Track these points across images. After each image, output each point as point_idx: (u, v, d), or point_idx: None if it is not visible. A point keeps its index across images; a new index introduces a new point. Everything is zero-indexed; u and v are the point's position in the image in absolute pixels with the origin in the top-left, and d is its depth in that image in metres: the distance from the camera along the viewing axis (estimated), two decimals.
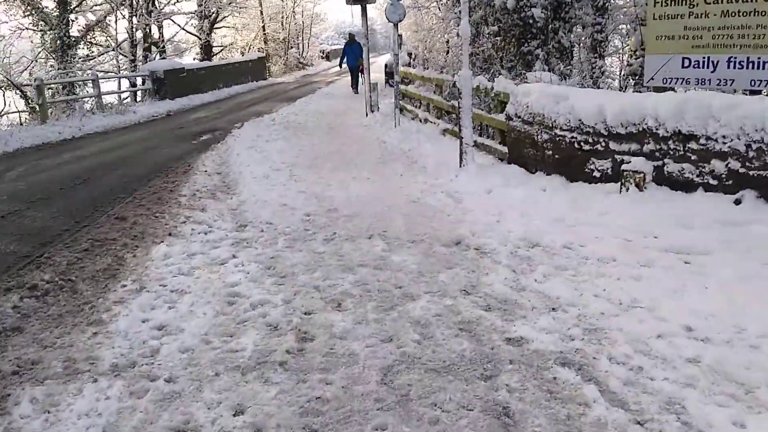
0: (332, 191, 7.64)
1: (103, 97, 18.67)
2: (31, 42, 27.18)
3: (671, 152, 6.20)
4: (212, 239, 5.85)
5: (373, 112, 15.06)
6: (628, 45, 14.24)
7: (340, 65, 22.75)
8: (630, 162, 6.46)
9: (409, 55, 21.68)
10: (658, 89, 7.40)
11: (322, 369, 3.40)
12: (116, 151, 11.37)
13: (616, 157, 6.71)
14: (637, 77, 12.73)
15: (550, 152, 7.47)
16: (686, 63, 7.02)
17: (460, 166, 8.21)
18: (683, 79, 7.09)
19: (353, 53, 21.28)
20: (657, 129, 6.26)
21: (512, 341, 3.68)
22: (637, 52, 12.67)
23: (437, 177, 8.23)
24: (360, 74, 19.54)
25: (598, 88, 10.12)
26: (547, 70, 10.44)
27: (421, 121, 12.68)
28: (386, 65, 22.23)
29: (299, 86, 27.89)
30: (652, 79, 7.36)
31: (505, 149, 8.46)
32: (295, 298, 4.42)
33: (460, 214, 6.55)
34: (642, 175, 6.28)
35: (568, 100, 7.19)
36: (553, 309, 4.13)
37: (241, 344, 3.69)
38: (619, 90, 11.14)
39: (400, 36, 14.42)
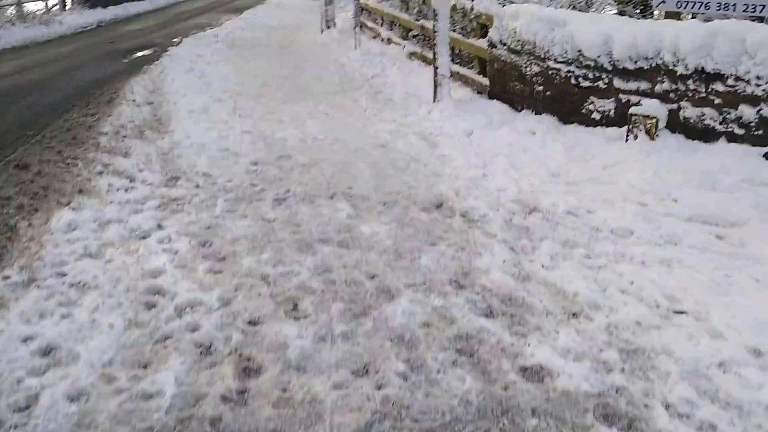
0: (284, 130, 6.44)
1: (25, 5, 16.54)
2: None
3: (690, 94, 5.21)
4: (134, 199, 4.68)
5: (329, 27, 13.57)
6: None
7: None
8: (639, 104, 5.45)
9: None
10: (671, 15, 6.32)
11: None
12: (32, 72, 9.79)
13: (621, 96, 5.69)
14: None
15: (541, 87, 6.39)
16: None
17: (434, 101, 7.08)
18: (701, 3, 6.01)
19: None
20: (675, 65, 5.23)
21: (530, 374, 2.73)
22: None
23: (407, 113, 7.09)
24: None
25: (592, 8, 8.95)
26: None
27: (383, 41, 11.32)
28: None
29: None
30: (664, 2, 6.26)
31: (485, 81, 7.32)
32: (236, 295, 3.36)
33: (438, 164, 5.49)
34: (654, 120, 5.29)
35: (566, 26, 6.05)
36: (574, 315, 3.18)
37: (158, 383, 2.63)
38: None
39: None
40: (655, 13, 8.71)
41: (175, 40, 13.08)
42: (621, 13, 11.41)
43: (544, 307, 3.26)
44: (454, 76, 7.83)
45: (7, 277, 3.50)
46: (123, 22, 16.99)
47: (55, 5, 21.81)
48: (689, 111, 5.24)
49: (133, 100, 7.78)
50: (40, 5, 20.72)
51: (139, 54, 11.58)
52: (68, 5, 20.94)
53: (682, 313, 3.18)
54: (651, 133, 5.31)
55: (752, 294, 3.32)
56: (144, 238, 4.06)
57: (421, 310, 3.22)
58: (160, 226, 4.22)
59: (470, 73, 7.82)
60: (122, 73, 9.61)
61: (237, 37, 13.32)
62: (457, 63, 8.67)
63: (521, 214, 4.45)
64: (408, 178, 5.18)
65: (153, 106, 7.60)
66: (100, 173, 5.23)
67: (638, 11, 11.52)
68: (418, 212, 4.50)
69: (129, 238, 4.04)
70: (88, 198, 4.68)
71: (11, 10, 17.03)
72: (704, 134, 5.18)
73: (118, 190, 4.85)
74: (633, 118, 5.40)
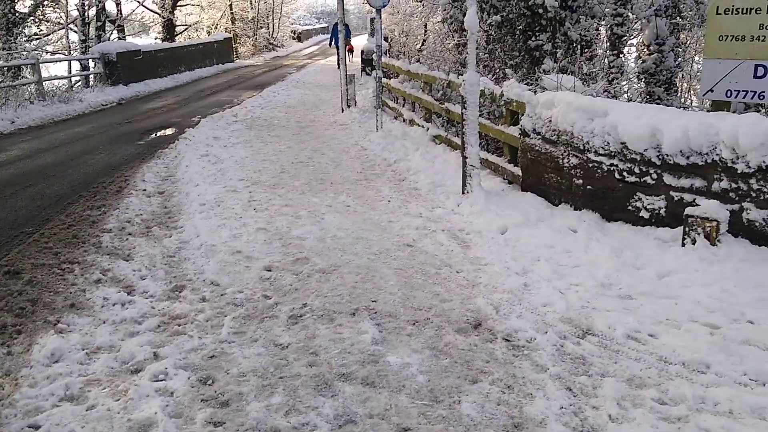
0: (302, 227, 5.93)
1: (45, 83, 16.52)
2: None
3: (754, 194, 4.65)
4: (130, 317, 4.12)
5: (349, 107, 13.34)
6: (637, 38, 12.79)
7: (330, 45, 22.88)
8: (695, 203, 4.91)
9: (386, 39, 19.90)
10: (719, 104, 5.83)
11: None
12: (42, 156, 9.47)
13: (673, 194, 5.15)
14: (649, 75, 11.34)
15: (581, 181, 5.87)
16: (760, 72, 5.43)
17: (463, 192, 6.58)
18: (755, 92, 5.50)
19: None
20: (734, 162, 4.70)
21: None
22: (651, 47, 11.27)
23: (434, 205, 6.58)
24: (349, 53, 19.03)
25: (617, 91, 8.54)
26: (558, 69, 8.81)
27: (405, 121, 10.99)
28: (362, 51, 20.35)
29: (268, 70, 25.90)
30: (711, 90, 5.76)
31: (517, 171, 6.83)
32: None
33: (472, 270, 4.93)
34: (714, 223, 4.72)
35: (607, 116, 5.58)
36: None
37: None
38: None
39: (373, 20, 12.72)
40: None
41: (193, 118, 12.87)
42: (650, 93, 11.10)
43: None
44: (483, 163, 7.37)
45: None
46: (143, 100, 16.94)
47: (78, 82, 22.07)
48: (754, 213, 4.67)
49: (144, 190, 7.36)
50: (64, 81, 20.93)
51: (156, 134, 11.32)
52: (91, 82, 21.10)
53: None
54: (711, 238, 4.73)
55: None
56: (136, 372, 3.48)
57: None
58: (156, 356, 3.65)
59: (500, 161, 7.35)
60: (135, 158, 9.26)
61: (256, 116, 13.09)
62: (483, 148, 8.24)
63: (574, 339, 3.85)
64: (439, 288, 4.61)
65: (164, 196, 7.16)
66: (98, 282, 4.70)
67: (663, 89, 11.20)
68: (453, 335, 3.91)
69: (118, 373, 3.47)
70: (78, 316, 4.13)
71: (31, 88, 17.04)
72: None
73: (114, 305, 4.31)
74: (690, 219, 4.84)
